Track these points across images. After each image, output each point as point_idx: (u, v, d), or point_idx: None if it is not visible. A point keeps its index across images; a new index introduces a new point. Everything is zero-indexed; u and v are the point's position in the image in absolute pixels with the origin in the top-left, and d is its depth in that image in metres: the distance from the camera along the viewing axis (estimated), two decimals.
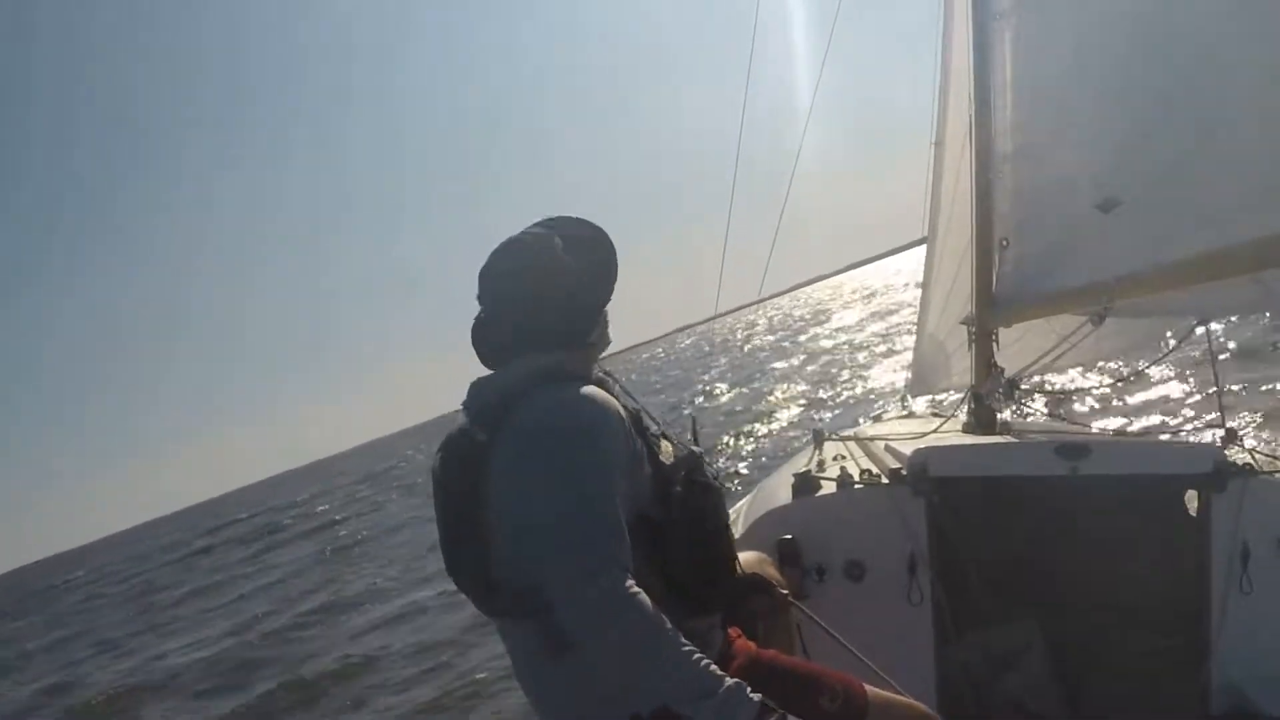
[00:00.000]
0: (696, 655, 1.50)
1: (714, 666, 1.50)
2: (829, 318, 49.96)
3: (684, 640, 1.51)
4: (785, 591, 2.31)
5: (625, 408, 1.77)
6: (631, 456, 1.69)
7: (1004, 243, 3.67)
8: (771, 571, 2.47)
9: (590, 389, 1.71)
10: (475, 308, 1.85)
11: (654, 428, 1.87)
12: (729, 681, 1.49)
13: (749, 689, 1.50)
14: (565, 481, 1.57)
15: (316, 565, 17.54)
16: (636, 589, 1.49)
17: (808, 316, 61.43)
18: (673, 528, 1.74)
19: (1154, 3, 3.16)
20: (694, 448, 1.93)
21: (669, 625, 1.50)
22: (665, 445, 1.86)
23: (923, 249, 5.17)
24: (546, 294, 1.77)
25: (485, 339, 1.83)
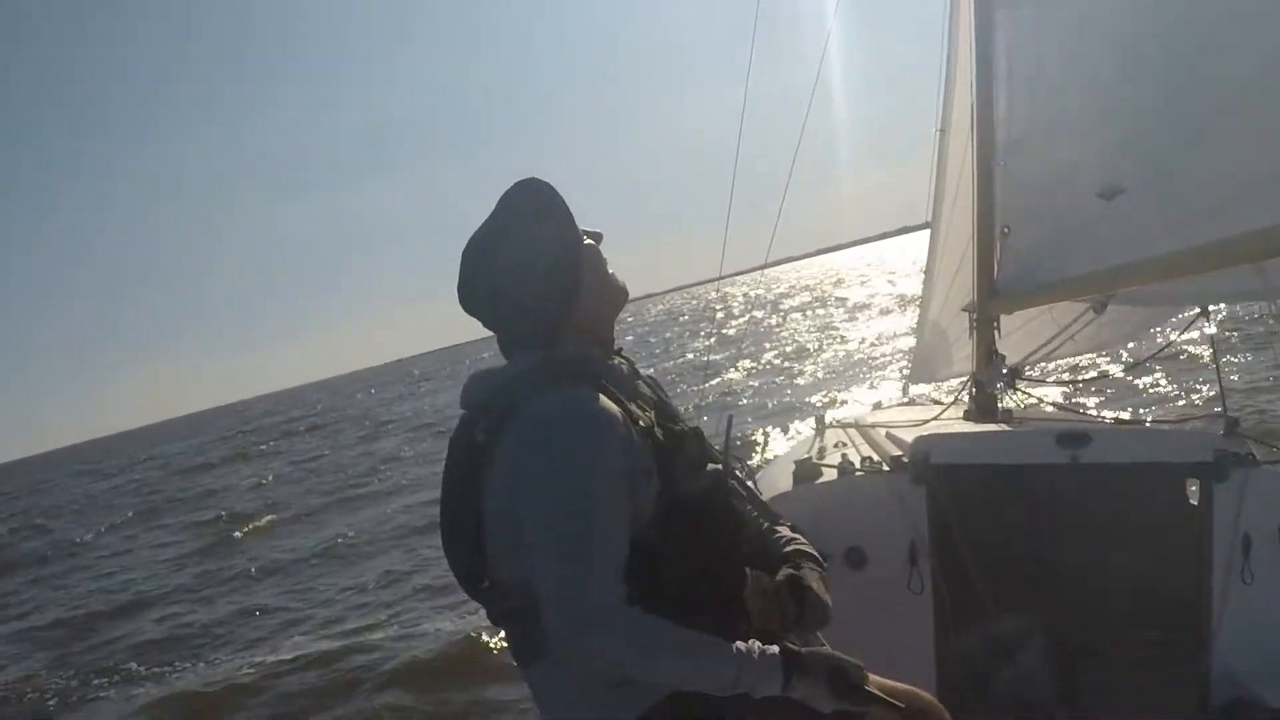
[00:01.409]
0: (700, 640, 1.48)
1: (721, 643, 1.48)
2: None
3: (682, 631, 1.48)
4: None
5: (632, 412, 1.64)
6: (631, 471, 1.57)
7: (1006, 230, 3.67)
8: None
9: (589, 395, 1.59)
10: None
11: (679, 425, 1.72)
12: (740, 649, 1.48)
13: (764, 648, 1.49)
14: (558, 493, 1.50)
15: None
16: (624, 604, 1.46)
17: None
18: (670, 559, 1.59)
19: None
20: (721, 456, 1.79)
21: (666, 625, 1.47)
22: (693, 448, 1.71)
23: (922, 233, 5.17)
24: (525, 288, 1.67)
25: (494, 323, 1.75)
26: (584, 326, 1.72)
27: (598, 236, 1.77)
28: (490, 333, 1.78)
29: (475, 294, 1.73)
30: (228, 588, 10.84)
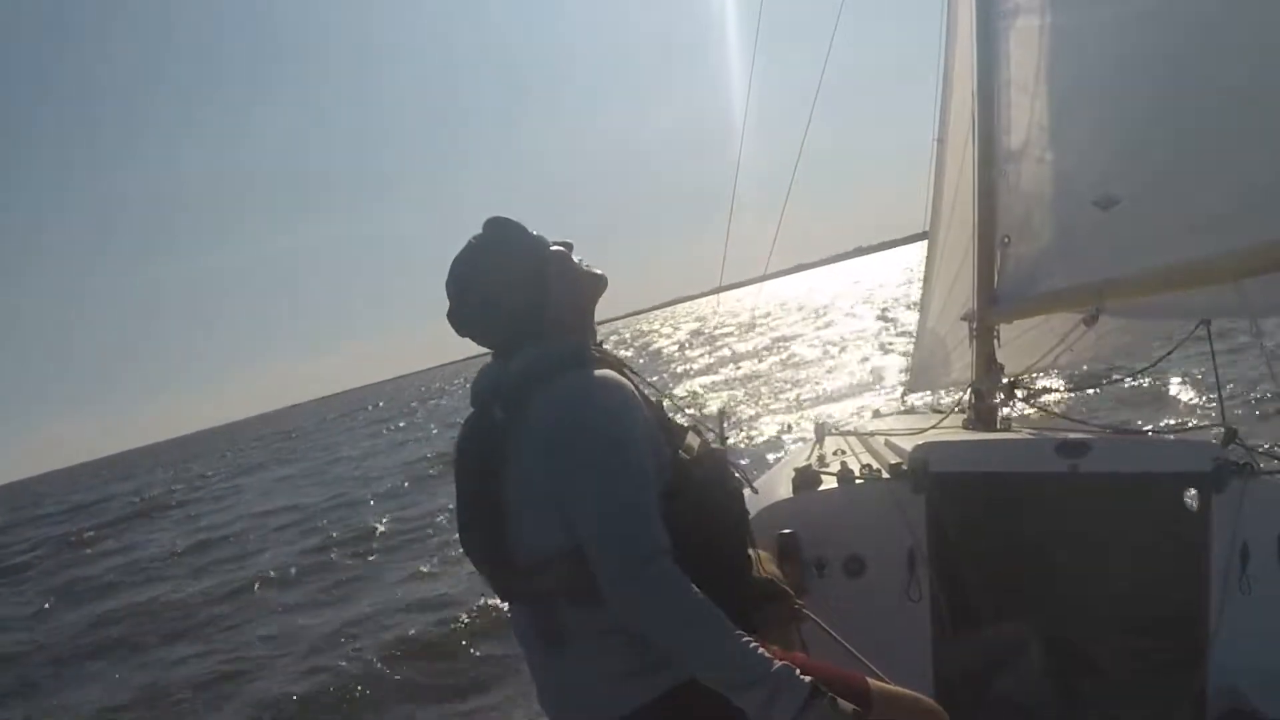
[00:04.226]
0: (745, 637, 1.53)
1: (761, 649, 1.54)
2: None
3: (730, 623, 1.53)
4: (800, 604, 2.27)
5: (646, 396, 1.78)
6: (652, 435, 1.69)
7: (1006, 240, 3.67)
8: (772, 569, 2.47)
9: (613, 375, 1.73)
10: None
11: (679, 419, 1.87)
12: (778, 664, 1.52)
13: (799, 671, 1.53)
14: (607, 468, 1.58)
15: None
16: (680, 574, 1.53)
17: None
18: (684, 528, 1.66)
19: (1157, 5, 3.16)
20: (717, 442, 1.92)
21: (715, 608, 1.53)
22: (691, 438, 1.83)
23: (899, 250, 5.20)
24: (513, 294, 1.80)
25: (487, 330, 1.85)
26: (566, 318, 1.85)
27: (568, 245, 1.92)
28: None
29: (468, 309, 1.85)
30: None
